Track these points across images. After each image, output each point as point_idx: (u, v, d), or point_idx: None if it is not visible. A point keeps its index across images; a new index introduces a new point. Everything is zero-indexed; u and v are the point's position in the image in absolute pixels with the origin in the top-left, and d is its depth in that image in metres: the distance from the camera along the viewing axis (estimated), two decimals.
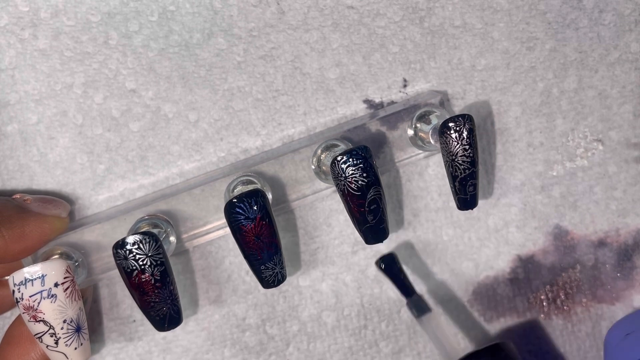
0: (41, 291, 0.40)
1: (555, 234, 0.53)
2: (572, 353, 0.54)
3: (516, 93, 0.51)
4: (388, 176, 0.51)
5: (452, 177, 0.45)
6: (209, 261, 0.50)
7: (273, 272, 0.44)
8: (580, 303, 0.54)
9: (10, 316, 0.49)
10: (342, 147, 0.46)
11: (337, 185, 0.43)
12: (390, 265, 0.50)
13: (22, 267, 0.41)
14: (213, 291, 0.51)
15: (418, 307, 0.50)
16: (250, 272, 0.50)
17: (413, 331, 0.53)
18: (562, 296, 0.54)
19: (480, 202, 0.51)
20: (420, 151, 0.49)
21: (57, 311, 0.41)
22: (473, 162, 0.45)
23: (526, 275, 0.53)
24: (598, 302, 0.54)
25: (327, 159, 0.46)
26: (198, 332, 0.51)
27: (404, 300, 0.51)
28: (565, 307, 0.54)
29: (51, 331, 0.41)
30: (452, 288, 0.53)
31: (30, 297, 0.40)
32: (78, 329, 0.42)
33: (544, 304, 0.54)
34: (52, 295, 0.41)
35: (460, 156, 0.44)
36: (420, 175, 0.51)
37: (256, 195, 0.42)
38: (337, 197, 0.50)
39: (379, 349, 0.52)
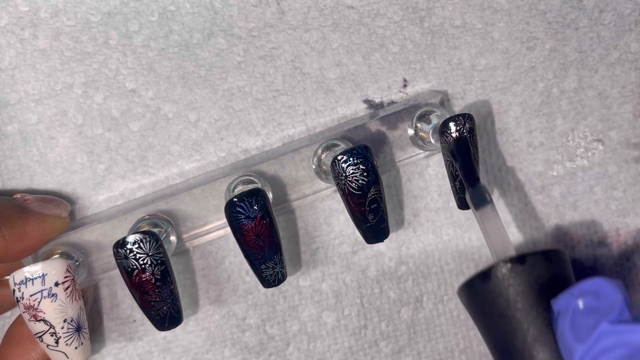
0: (41, 290, 0.40)
1: (555, 234, 0.53)
2: None
3: (516, 93, 0.51)
4: (388, 176, 0.51)
5: (453, 177, 0.46)
6: (209, 261, 0.50)
7: (274, 272, 0.44)
8: None
9: (10, 316, 0.49)
10: (343, 146, 0.46)
11: (337, 184, 0.43)
12: (464, 146, 0.44)
13: (22, 266, 0.41)
14: (213, 291, 0.51)
15: (479, 198, 0.45)
16: (251, 272, 0.50)
17: (413, 331, 0.53)
18: None
19: None
20: (421, 151, 0.49)
21: (57, 310, 0.41)
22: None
23: None
24: None
25: (327, 158, 0.46)
26: (198, 332, 0.51)
27: (402, 301, 0.51)
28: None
29: (51, 330, 0.41)
30: (452, 288, 0.53)
31: (30, 296, 0.40)
32: (78, 329, 0.42)
33: None
34: (53, 295, 0.41)
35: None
36: (421, 175, 0.51)
37: (257, 195, 0.42)
38: (338, 197, 0.50)
39: (379, 349, 0.52)
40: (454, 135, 0.44)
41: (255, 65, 0.49)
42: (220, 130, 0.49)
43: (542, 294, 0.44)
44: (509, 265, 0.44)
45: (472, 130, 0.44)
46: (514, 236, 0.53)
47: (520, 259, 0.44)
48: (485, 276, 0.45)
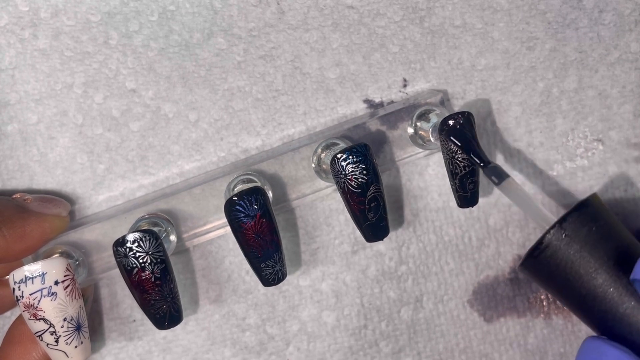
0: (41, 289, 0.40)
1: None
2: (572, 353, 0.54)
3: (516, 93, 0.51)
4: (388, 175, 0.51)
5: (452, 175, 0.45)
6: (209, 261, 0.50)
7: (273, 270, 0.44)
8: None
9: (10, 316, 0.49)
10: (342, 145, 0.46)
11: (337, 182, 0.43)
12: (461, 134, 0.45)
13: (22, 266, 0.41)
14: (213, 291, 0.51)
15: (497, 173, 0.46)
16: (251, 272, 0.50)
17: (413, 331, 0.53)
18: None
19: (481, 202, 0.51)
20: (421, 150, 0.49)
21: (57, 309, 0.41)
22: None
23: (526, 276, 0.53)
24: None
25: (327, 157, 0.46)
26: (198, 331, 0.51)
27: (402, 301, 0.51)
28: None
29: (51, 329, 0.41)
30: (452, 288, 0.53)
31: (30, 295, 0.40)
32: (78, 328, 0.42)
33: (544, 304, 0.54)
34: (53, 293, 0.41)
35: (460, 153, 0.44)
36: (421, 175, 0.51)
37: (256, 193, 0.42)
38: (337, 196, 0.50)
39: (379, 348, 0.52)
40: (445, 128, 0.45)
41: (255, 65, 0.49)
42: (220, 130, 0.49)
43: (599, 240, 0.47)
44: (560, 224, 0.47)
45: (471, 129, 0.44)
46: (514, 236, 0.53)
47: (563, 219, 0.47)
48: (541, 246, 0.47)
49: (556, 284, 0.48)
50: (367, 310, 0.52)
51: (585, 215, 0.47)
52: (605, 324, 0.47)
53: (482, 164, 0.45)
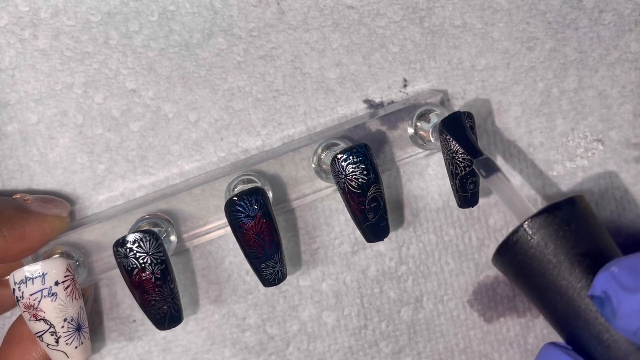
0: (41, 289, 0.40)
1: None
2: None
3: (516, 93, 0.51)
4: (388, 175, 0.51)
5: (453, 175, 0.45)
6: (209, 261, 0.50)
7: (274, 271, 0.44)
8: None
9: (10, 316, 0.49)
10: (343, 145, 0.46)
11: (337, 183, 0.43)
12: (454, 125, 0.45)
13: (22, 266, 0.41)
14: (213, 291, 0.51)
15: (486, 167, 0.44)
16: (251, 272, 0.50)
17: (413, 331, 0.53)
18: None
19: (481, 202, 0.51)
20: (421, 150, 0.49)
21: (57, 310, 0.41)
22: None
23: None
24: None
25: (327, 157, 0.46)
26: (198, 331, 0.51)
27: (402, 301, 0.51)
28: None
29: (52, 330, 0.41)
30: (452, 288, 0.53)
31: (30, 295, 0.40)
32: (79, 328, 0.42)
33: None
34: (53, 294, 0.41)
35: (460, 154, 0.44)
36: (421, 175, 0.51)
37: (257, 193, 0.42)
38: (338, 196, 0.50)
39: (379, 349, 0.52)
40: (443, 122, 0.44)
41: (255, 65, 0.49)
42: (220, 130, 0.49)
43: (571, 240, 0.44)
44: (529, 221, 0.45)
45: (471, 128, 0.44)
46: None
47: (537, 214, 0.45)
48: (513, 240, 0.46)
49: (522, 283, 0.47)
50: (367, 310, 0.52)
51: (559, 215, 0.45)
52: (567, 330, 0.46)
53: (471, 156, 0.44)
